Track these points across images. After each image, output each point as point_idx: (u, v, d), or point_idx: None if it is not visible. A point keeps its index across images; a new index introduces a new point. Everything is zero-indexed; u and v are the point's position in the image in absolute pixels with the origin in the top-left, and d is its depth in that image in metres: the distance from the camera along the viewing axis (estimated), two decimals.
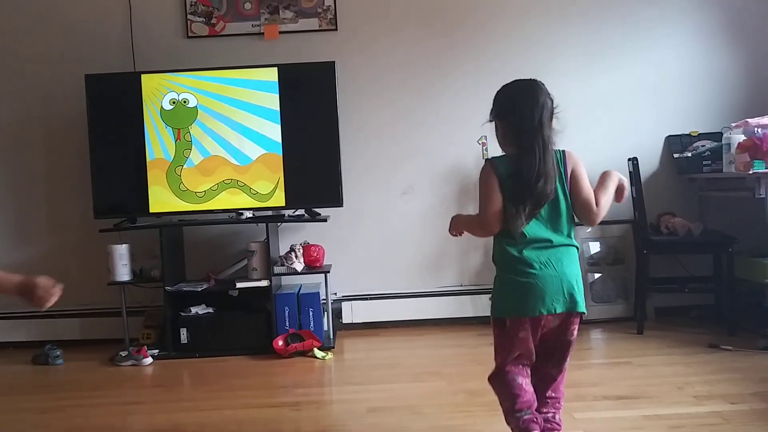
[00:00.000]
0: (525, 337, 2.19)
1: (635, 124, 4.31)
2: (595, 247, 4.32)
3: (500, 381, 2.26)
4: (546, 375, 2.26)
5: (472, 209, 4.27)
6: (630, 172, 3.95)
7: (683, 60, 4.31)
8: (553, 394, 2.27)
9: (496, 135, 2.31)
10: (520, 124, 2.24)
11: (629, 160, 3.95)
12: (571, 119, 4.33)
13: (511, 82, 2.37)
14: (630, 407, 2.70)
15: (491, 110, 2.34)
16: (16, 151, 4.29)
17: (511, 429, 2.20)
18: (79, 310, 4.26)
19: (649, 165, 4.27)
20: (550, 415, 2.23)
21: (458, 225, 2.39)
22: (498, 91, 2.37)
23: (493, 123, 2.32)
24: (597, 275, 4.29)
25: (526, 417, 2.16)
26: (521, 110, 2.26)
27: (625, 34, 4.29)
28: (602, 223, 4.26)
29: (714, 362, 3.24)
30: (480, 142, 4.30)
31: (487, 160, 2.29)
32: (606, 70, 4.30)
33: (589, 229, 4.31)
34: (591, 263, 4.30)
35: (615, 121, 4.31)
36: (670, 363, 3.28)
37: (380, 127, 4.31)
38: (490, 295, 2.30)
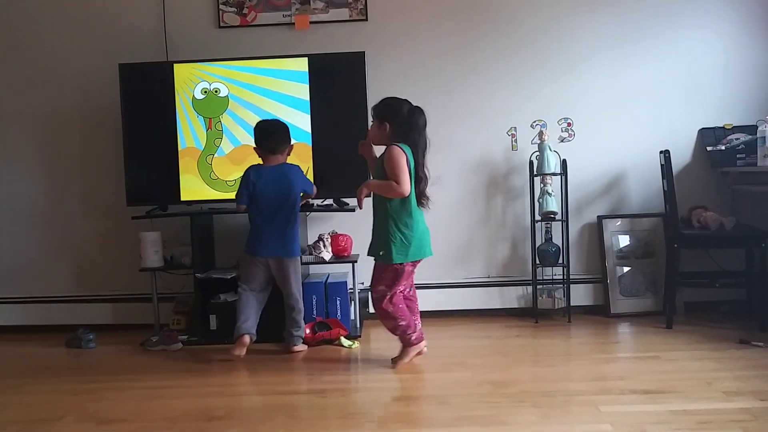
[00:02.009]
0: (412, 271, 3.32)
1: (668, 117, 4.25)
2: (624, 241, 4.28)
3: (395, 305, 3.25)
4: (414, 293, 3.46)
5: (500, 200, 4.29)
6: (662, 165, 3.91)
7: (718, 51, 4.23)
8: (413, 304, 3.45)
9: (381, 131, 3.25)
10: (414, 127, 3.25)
11: (661, 152, 3.90)
12: (602, 111, 4.37)
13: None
14: (657, 402, 2.68)
15: (384, 113, 3.25)
16: (52, 139, 4.37)
17: (411, 339, 3.27)
18: (111, 295, 4.35)
19: (681, 158, 4.21)
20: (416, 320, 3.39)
21: (372, 187, 3.20)
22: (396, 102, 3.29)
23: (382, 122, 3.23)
24: (626, 269, 4.24)
25: (419, 328, 3.35)
26: (417, 120, 3.25)
27: (658, 25, 4.23)
28: (632, 215, 4.26)
29: (744, 358, 3.20)
30: (510, 133, 4.28)
31: (398, 145, 3.16)
32: (638, 62, 4.24)
33: (619, 222, 4.28)
34: (620, 256, 4.26)
35: (647, 114, 4.26)
36: (699, 358, 3.25)
37: None
38: (381, 250, 3.20)
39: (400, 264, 3.20)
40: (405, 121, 3.20)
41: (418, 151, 3.21)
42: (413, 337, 3.28)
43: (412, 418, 2.60)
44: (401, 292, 3.31)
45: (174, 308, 4.18)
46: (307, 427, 2.56)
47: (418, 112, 3.25)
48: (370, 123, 3.39)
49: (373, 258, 3.31)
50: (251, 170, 3.62)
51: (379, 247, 3.23)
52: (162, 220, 4.08)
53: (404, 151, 3.16)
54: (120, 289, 4.35)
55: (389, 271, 3.22)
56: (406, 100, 3.28)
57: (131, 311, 4.30)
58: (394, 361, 3.29)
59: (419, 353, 3.35)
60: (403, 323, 3.25)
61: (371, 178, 3.35)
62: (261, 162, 3.64)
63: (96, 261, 4.40)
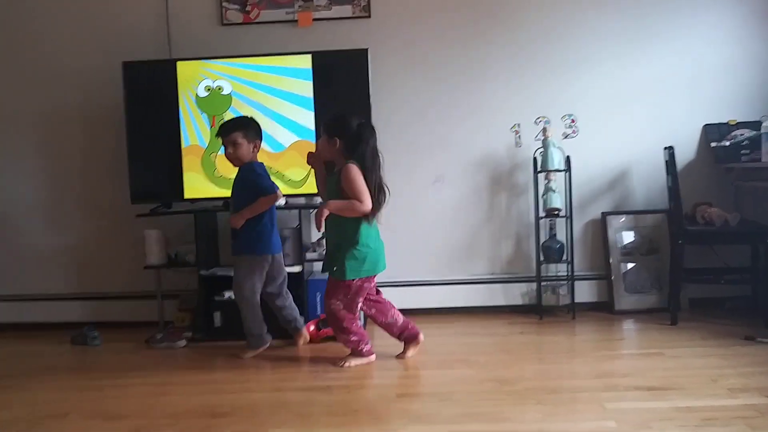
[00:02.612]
0: (369, 287, 3.32)
1: (672, 113, 4.24)
2: (629, 237, 4.27)
3: (351, 320, 3.30)
4: (379, 296, 3.46)
5: (504, 198, 4.29)
6: (666, 161, 3.90)
7: (721, 47, 4.22)
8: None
9: (330, 146, 3.25)
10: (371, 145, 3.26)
11: (665, 148, 3.90)
12: (606, 107, 4.36)
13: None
14: (662, 398, 2.68)
15: (333, 128, 3.25)
16: (54, 138, 4.37)
17: (363, 351, 3.32)
18: (116, 292, 4.36)
19: (685, 154, 4.20)
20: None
21: (333, 208, 3.17)
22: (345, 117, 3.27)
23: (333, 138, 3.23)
24: (630, 265, 4.24)
25: (369, 343, 3.38)
26: (366, 136, 3.24)
27: (661, 22, 4.22)
28: (637, 212, 4.25)
29: (750, 355, 3.19)
30: (513, 130, 4.27)
31: (352, 162, 3.17)
32: (642, 58, 4.23)
33: (623, 219, 4.27)
34: (624, 253, 4.26)
35: (651, 110, 4.25)
36: (704, 355, 3.24)
37: (411, 114, 4.30)
38: (335, 265, 3.22)
39: (352, 280, 3.22)
40: (354, 137, 3.20)
41: (366, 166, 3.20)
42: (364, 350, 3.33)
43: (416, 415, 2.60)
44: (361, 306, 3.36)
45: (178, 306, 4.19)
46: (311, 423, 2.56)
47: (368, 127, 3.28)
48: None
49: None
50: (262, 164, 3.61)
51: (334, 262, 3.25)
52: (166, 218, 4.08)
53: (360, 170, 3.18)
54: (124, 287, 4.36)
55: (343, 287, 3.25)
56: (356, 116, 3.30)
57: (136, 309, 4.31)
58: (342, 361, 3.33)
59: (410, 350, 3.42)
60: (355, 338, 3.31)
61: (319, 191, 3.44)
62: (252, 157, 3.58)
63: (101, 259, 4.41)
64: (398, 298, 4.25)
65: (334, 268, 3.24)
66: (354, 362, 3.30)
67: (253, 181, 3.50)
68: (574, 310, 4.11)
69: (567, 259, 4.15)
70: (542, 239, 4.18)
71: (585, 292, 4.26)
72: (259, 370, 3.30)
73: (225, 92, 3.98)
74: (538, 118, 4.25)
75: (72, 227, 4.40)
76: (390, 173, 4.20)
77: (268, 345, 3.58)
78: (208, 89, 3.99)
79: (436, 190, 4.33)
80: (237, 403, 2.84)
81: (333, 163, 3.32)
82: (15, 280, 4.41)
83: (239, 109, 3.96)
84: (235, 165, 3.56)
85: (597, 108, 4.26)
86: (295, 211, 3.96)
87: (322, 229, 3.28)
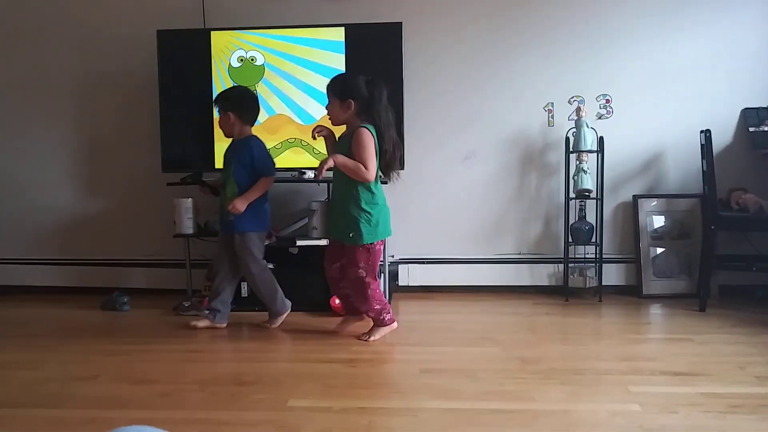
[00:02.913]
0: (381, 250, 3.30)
1: (710, 96, 4.15)
2: (659, 221, 4.22)
3: (376, 288, 3.26)
4: None
5: (534, 177, 4.25)
6: (702, 145, 3.83)
7: (763, 29, 4.11)
8: None
9: (343, 110, 3.16)
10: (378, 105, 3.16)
11: (702, 132, 3.83)
12: (642, 88, 4.28)
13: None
14: (688, 384, 2.65)
15: (344, 89, 3.15)
16: (90, 104, 4.42)
17: (385, 320, 3.30)
18: (146, 260, 4.43)
19: (722, 138, 4.12)
20: None
21: (339, 163, 3.09)
22: (353, 78, 3.20)
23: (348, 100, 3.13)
24: (660, 249, 4.19)
25: (391, 311, 3.37)
26: (379, 92, 3.15)
27: (703, 1, 4.11)
28: (669, 196, 4.19)
29: None
30: (546, 108, 4.22)
31: (365, 126, 3.10)
32: (681, 37, 4.14)
33: (655, 202, 4.22)
34: (655, 237, 4.21)
35: (688, 92, 4.17)
36: (733, 342, 3.20)
37: (443, 89, 4.27)
38: (351, 232, 3.16)
39: (371, 244, 3.20)
40: (368, 96, 3.13)
41: (382, 124, 3.14)
42: (386, 318, 3.31)
43: (439, 391, 2.61)
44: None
45: (206, 275, 4.23)
46: (335, 395, 2.59)
47: (378, 83, 3.17)
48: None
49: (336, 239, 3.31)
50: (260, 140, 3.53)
51: (347, 228, 3.19)
52: (197, 187, 4.11)
53: (372, 135, 3.13)
54: (154, 255, 4.42)
55: (363, 253, 3.21)
56: (360, 74, 3.21)
57: (165, 276, 4.37)
58: (366, 335, 3.32)
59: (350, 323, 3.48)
60: (378, 306, 3.28)
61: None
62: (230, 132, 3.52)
63: (132, 226, 4.47)
64: (424, 276, 4.29)
65: (351, 234, 3.19)
66: (378, 334, 3.31)
67: (252, 158, 3.46)
68: (600, 293, 4.08)
69: (596, 241, 4.11)
70: (571, 220, 4.14)
71: (612, 275, 4.23)
72: (284, 340, 3.33)
73: (258, 63, 3.98)
74: (572, 97, 4.19)
75: (104, 194, 4.47)
76: (419, 148, 4.22)
77: (289, 310, 3.61)
78: (241, 60, 3.99)
79: (466, 167, 4.31)
80: (262, 372, 2.87)
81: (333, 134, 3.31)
82: (48, 244, 4.49)
83: (271, 80, 3.96)
84: (226, 136, 3.54)
85: (633, 88, 4.19)
86: (324, 185, 3.96)
87: (322, 177, 3.14)
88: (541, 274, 4.29)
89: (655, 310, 3.91)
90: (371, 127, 3.13)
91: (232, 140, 3.52)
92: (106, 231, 4.48)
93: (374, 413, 2.40)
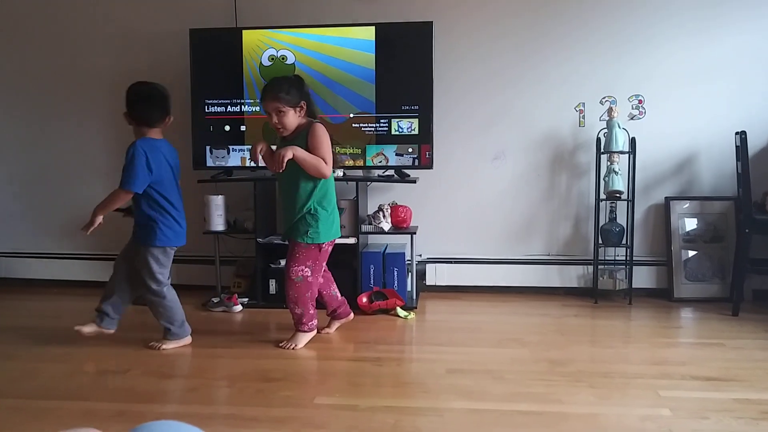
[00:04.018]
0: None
1: (745, 96, 4.07)
2: (692, 224, 4.15)
3: (301, 291, 3.14)
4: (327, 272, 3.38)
5: (565, 178, 4.21)
6: (737, 147, 3.76)
7: None
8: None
9: (298, 115, 3.07)
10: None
11: (737, 133, 3.75)
12: (676, 88, 4.22)
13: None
14: (719, 389, 2.61)
15: (297, 93, 3.05)
16: (124, 101, 4.47)
17: (309, 326, 3.18)
18: (175, 255, 4.45)
19: (758, 139, 4.03)
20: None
21: (298, 157, 2.97)
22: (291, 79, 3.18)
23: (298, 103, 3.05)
24: (692, 253, 4.12)
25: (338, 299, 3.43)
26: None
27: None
28: (703, 198, 4.12)
29: None
30: (578, 109, 4.18)
31: (318, 122, 3.07)
32: (718, 36, 4.06)
33: (687, 204, 4.15)
34: (687, 240, 4.14)
35: (723, 92, 4.09)
36: (766, 347, 3.14)
37: (472, 87, 4.24)
38: (308, 229, 3.07)
39: (323, 243, 3.13)
40: (308, 95, 3.10)
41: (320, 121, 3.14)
42: (307, 326, 3.19)
43: (466, 391, 2.60)
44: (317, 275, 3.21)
45: (235, 271, 4.27)
46: (361, 393, 2.59)
47: (303, 80, 3.16)
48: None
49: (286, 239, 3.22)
50: (144, 146, 3.11)
51: (305, 226, 3.08)
52: (227, 185, 4.15)
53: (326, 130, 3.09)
54: (184, 251, 4.44)
55: (312, 252, 3.12)
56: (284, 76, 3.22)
57: (194, 272, 4.41)
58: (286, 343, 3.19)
59: (335, 324, 3.44)
60: (299, 311, 3.16)
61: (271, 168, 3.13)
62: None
63: None
64: (452, 275, 4.27)
65: (308, 232, 3.07)
66: (302, 341, 3.18)
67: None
68: (630, 296, 4.03)
69: (626, 243, 4.06)
70: (602, 222, 4.10)
71: (643, 277, 4.17)
72: (312, 338, 3.34)
73: (288, 62, 4.00)
74: (604, 97, 4.14)
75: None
76: (448, 147, 4.21)
77: (190, 340, 3.26)
78: (272, 59, 4.01)
79: (495, 167, 4.28)
80: (289, 369, 2.89)
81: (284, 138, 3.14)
82: (81, 239, 4.55)
83: None
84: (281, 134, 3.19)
85: (666, 88, 4.13)
86: (353, 184, 3.97)
87: (283, 169, 2.98)
88: (571, 276, 4.25)
89: (687, 314, 3.85)
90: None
91: None
92: None
93: (400, 412, 2.40)
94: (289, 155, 2.96)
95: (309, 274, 3.13)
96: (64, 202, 4.58)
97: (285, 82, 3.08)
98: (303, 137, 3.05)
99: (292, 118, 3.06)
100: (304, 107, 3.08)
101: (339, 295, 3.44)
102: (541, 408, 2.43)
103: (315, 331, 3.25)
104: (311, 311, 3.20)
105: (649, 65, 4.12)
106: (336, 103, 3.97)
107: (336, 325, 3.43)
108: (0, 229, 4.61)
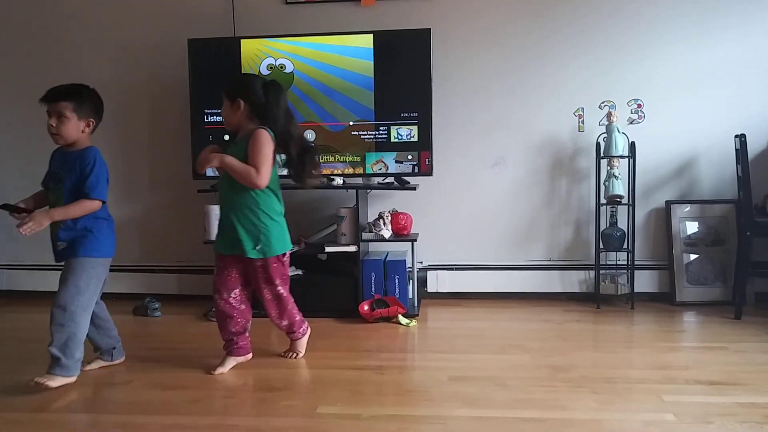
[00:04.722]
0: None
1: (745, 99, 4.08)
2: (693, 227, 4.15)
3: (292, 301, 3.07)
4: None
5: (565, 183, 4.21)
6: (737, 150, 3.76)
7: None
8: None
9: (234, 111, 2.91)
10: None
11: (736, 136, 3.75)
12: (676, 92, 4.22)
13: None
14: (723, 393, 2.60)
15: (235, 90, 2.90)
16: (123, 112, 4.48)
17: (302, 331, 3.13)
18: (176, 266, 4.47)
19: (758, 142, 4.04)
20: None
21: (226, 164, 2.82)
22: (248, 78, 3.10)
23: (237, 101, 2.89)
24: (694, 256, 4.12)
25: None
26: (276, 96, 2.90)
27: (742, 1, 4.04)
28: (703, 201, 4.12)
29: None
30: (577, 114, 4.18)
31: (263, 128, 2.85)
32: (718, 40, 4.07)
33: (688, 208, 4.15)
34: (688, 243, 4.14)
35: (723, 95, 4.09)
36: None
37: (471, 93, 4.24)
38: (258, 243, 2.85)
39: (283, 255, 2.95)
40: (264, 99, 2.87)
41: (279, 129, 2.87)
42: (299, 332, 3.14)
43: (468, 398, 2.59)
44: (232, 296, 2.97)
45: None
46: (364, 402, 2.58)
47: (276, 86, 2.92)
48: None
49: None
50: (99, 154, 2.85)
51: (253, 239, 2.85)
52: None
53: (271, 138, 2.85)
54: (185, 261, 4.46)
55: (278, 266, 2.94)
56: (259, 75, 3.04)
57: (195, 282, 4.41)
58: (291, 353, 3.15)
59: (228, 362, 3.02)
60: (298, 317, 3.11)
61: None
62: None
63: (163, 233, 4.52)
64: (454, 282, 4.27)
65: (258, 246, 2.85)
66: (303, 347, 3.16)
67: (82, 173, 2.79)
68: (632, 300, 4.02)
69: (627, 247, 4.05)
70: (602, 227, 4.09)
71: (645, 281, 4.16)
72: (314, 347, 3.34)
73: (287, 70, 4.01)
74: (603, 102, 4.15)
75: (135, 201, 4.52)
76: (447, 154, 4.21)
77: (73, 379, 2.81)
78: (271, 67, 4.02)
79: (495, 173, 4.28)
80: (291, 378, 2.88)
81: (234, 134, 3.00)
82: None
83: (300, 87, 3.98)
84: (57, 143, 2.85)
85: (666, 92, 4.13)
86: (353, 192, 3.97)
87: (203, 171, 2.92)
88: (572, 281, 4.24)
89: (689, 318, 3.84)
90: (270, 131, 2.87)
91: (60, 148, 2.88)
92: (137, 237, 4.54)
93: (403, 420, 2.39)
94: (214, 163, 2.83)
95: (283, 292, 3.01)
96: None
97: (235, 76, 3.02)
98: (244, 142, 2.88)
99: (227, 111, 2.93)
100: (241, 106, 2.88)
101: (248, 331, 3.08)
102: (544, 414, 2.42)
103: (309, 331, 3.18)
104: (296, 317, 3.10)
105: (647, 69, 4.12)
106: (335, 111, 3.97)
107: (231, 363, 3.01)
108: (1, 240, 4.60)
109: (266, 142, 2.83)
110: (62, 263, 2.86)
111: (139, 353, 3.25)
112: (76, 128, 2.81)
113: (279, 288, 2.99)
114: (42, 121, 2.80)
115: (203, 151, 2.93)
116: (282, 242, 2.93)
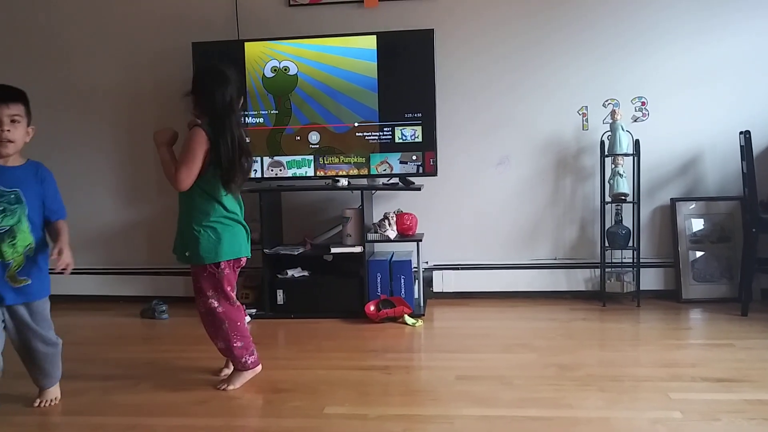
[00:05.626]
0: (232, 274, 2.74)
1: (749, 96, 4.06)
2: (698, 224, 4.14)
3: (237, 317, 2.76)
4: None
5: (569, 181, 4.21)
6: (741, 146, 3.75)
7: None
8: None
9: (193, 105, 2.65)
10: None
11: (741, 133, 3.75)
12: (679, 89, 4.21)
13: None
14: (730, 390, 2.60)
15: (193, 82, 2.67)
16: (129, 115, 4.50)
17: (247, 363, 2.76)
18: (183, 268, 4.46)
19: (762, 139, 4.02)
20: None
21: (159, 153, 2.66)
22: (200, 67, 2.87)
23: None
24: (700, 253, 4.11)
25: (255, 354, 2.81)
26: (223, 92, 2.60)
27: None
28: (708, 198, 4.11)
29: None
30: (580, 112, 4.18)
31: (201, 127, 2.59)
32: (721, 36, 4.06)
33: (693, 205, 4.14)
34: (694, 240, 4.13)
35: (728, 92, 4.08)
36: None
37: (475, 92, 4.24)
38: (187, 250, 2.68)
39: (214, 265, 2.67)
40: (207, 91, 2.59)
41: (216, 129, 2.58)
42: (249, 361, 2.78)
43: (475, 398, 2.60)
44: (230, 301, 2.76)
45: (243, 282, 4.27)
46: (370, 402, 2.59)
47: (222, 78, 2.60)
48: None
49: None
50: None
51: (185, 245, 2.69)
52: None
53: (206, 138, 2.57)
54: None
55: (207, 276, 2.69)
56: (222, 64, 2.68)
57: None
58: (224, 383, 2.79)
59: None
60: (238, 344, 2.74)
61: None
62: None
63: (170, 235, 4.49)
64: (459, 282, 4.27)
65: (186, 253, 2.68)
66: (240, 381, 2.78)
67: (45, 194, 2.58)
68: (638, 298, 4.02)
69: (633, 245, 4.05)
70: (608, 225, 4.09)
71: (651, 279, 4.16)
72: (320, 348, 3.35)
73: (291, 73, 4.02)
74: (607, 100, 4.14)
75: (143, 204, 4.54)
76: (452, 154, 4.21)
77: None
78: (275, 70, 4.03)
79: (499, 172, 4.28)
80: (297, 379, 2.89)
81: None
82: (89, 253, 4.57)
83: (304, 89, 3.99)
84: (6, 153, 2.44)
85: (669, 90, 4.13)
86: (358, 193, 3.98)
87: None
88: (578, 280, 4.24)
89: (695, 315, 3.84)
90: (210, 129, 2.60)
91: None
92: (145, 241, 4.56)
93: (410, 420, 2.40)
94: (159, 149, 2.64)
95: (217, 305, 2.72)
96: (69, 218, 4.57)
97: (200, 66, 2.72)
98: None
99: (192, 104, 2.65)
100: (192, 100, 2.64)
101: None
102: (551, 413, 2.42)
103: (258, 369, 2.80)
104: (235, 344, 2.73)
105: (651, 67, 4.12)
106: (339, 112, 3.98)
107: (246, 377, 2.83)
108: None
109: (196, 140, 2.56)
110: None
111: (146, 355, 3.27)
112: (23, 136, 2.46)
113: (212, 301, 2.71)
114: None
115: (158, 133, 2.70)
116: (214, 251, 2.64)
